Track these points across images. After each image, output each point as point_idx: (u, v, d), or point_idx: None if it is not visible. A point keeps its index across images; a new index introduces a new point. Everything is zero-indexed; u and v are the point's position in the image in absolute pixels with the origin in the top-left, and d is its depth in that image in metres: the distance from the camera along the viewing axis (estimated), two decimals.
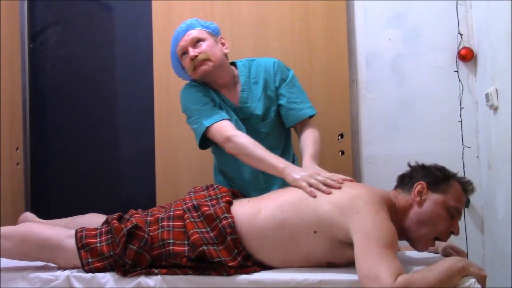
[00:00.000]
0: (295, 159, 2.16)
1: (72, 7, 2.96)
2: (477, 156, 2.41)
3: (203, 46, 1.98)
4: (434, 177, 1.59)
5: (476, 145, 2.41)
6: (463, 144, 2.42)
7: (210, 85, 2.06)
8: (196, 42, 1.99)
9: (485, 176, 2.32)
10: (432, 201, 1.55)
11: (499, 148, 2.10)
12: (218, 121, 1.93)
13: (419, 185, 1.58)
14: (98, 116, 2.92)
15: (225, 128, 1.91)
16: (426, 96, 2.48)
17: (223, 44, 2.08)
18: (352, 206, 1.46)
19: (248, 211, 1.61)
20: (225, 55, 2.06)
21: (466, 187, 1.60)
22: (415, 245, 1.60)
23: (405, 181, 1.64)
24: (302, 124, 2.09)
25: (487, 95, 2.17)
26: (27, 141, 2.91)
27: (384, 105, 2.52)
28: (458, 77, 2.44)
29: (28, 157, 2.91)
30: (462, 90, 2.44)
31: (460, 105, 2.43)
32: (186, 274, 1.53)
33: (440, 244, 1.74)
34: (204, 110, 1.98)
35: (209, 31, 2.04)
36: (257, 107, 2.05)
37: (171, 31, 2.62)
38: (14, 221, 2.25)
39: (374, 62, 2.54)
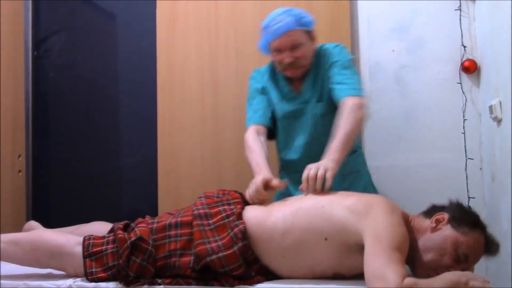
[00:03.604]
0: (357, 149, 2.13)
1: (76, 15, 2.97)
2: (480, 168, 2.40)
3: (300, 52, 1.97)
4: (462, 217, 1.51)
5: (479, 157, 2.41)
6: (466, 156, 2.42)
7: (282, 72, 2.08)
8: (295, 47, 1.96)
9: (488, 188, 2.32)
10: (445, 233, 1.49)
11: (502, 160, 2.09)
12: (250, 125, 2.07)
13: (441, 215, 1.53)
14: (101, 124, 2.92)
15: (248, 133, 2.04)
16: (429, 108, 2.48)
17: (314, 38, 2.05)
18: (368, 210, 1.46)
19: (259, 214, 1.61)
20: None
21: (489, 246, 1.52)
22: (414, 270, 1.55)
23: (433, 209, 1.59)
24: (341, 107, 1.94)
25: (490, 107, 2.17)
26: (29, 148, 2.90)
27: (387, 116, 2.52)
28: (462, 89, 2.45)
29: (30, 164, 2.91)
30: (466, 102, 2.44)
31: (464, 117, 2.43)
32: (189, 284, 1.52)
33: None
34: (249, 110, 2.13)
35: (306, 29, 1.99)
36: (314, 91, 2.04)
37: (176, 39, 2.65)
38: (15, 229, 2.24)
39: (377, 73, 2.55)
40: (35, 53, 2.96)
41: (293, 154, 2.08)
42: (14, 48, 2.78)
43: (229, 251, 1.51)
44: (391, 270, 1.29)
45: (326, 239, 1.49)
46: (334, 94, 1.97)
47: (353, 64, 2.06)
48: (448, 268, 1.45)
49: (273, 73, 2.12)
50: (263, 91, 2.13)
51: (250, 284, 1.52)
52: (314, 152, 1.90)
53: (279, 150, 2.16)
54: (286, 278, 1.57)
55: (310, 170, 1.67)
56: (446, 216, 1.52)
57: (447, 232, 1.49)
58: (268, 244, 1.56)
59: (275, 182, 1.76)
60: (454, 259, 1.47)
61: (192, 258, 1.54)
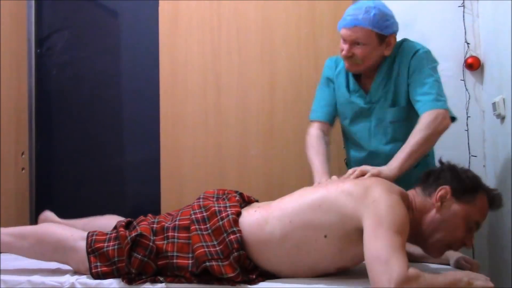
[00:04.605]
0: (428, 160, 2.04)
1: (79, 13, 2.98)
2: (484, 166, 2.40)
3: (359, 51, 1.89)
4: (462, 184, 1.51)
5: (482, 154, 2.40)
6: (469, 153, 2.41)
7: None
8: (355, 43, 1.88)
9: (491, 186, 2.30)
10: (453, 210, 1.49)
11: (506, 157, 2.09)
12: (315, 120, 2.09)
13: (443, 190, 1.50)
14: (104, 122, 2.93)
15: (312, 129, 2.05)
16: None
17: (389, 43, 1.94)
18: (367, 191, 1.43)
19: (254, 223, 1.57)
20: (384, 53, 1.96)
21: (493, 202, 1.54)
22: (427, 251, 1.57)
23: (429, 180, 1.56)
24: (420, 119, 1.85)
25: (494, 104, 2.16)
26: (32, 146, 2.91)
27: None
28: (465, 86, 2.44)
29: (34, 162, 2.92)
30: (469, 99, 2.43)
31: (467, 114, 2.43)
32: (191, 282, 1.53)
33: (452, 256, 1.71)
34: (316, 101, 2.14)
35: (378, 32, 1.89)
36: (385, 93, 1.98)
37: (178, 37, 2.65)
38: (18, 226, 2.25)
39: None
40: (38, 50, 2.97)
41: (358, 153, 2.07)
42: (17, 46, 2.78)
43: (227, 262, 1.50)
44: (395, 257, 1.26)
45: (325, 236, 1.47)
46: (417, 107, 1.88)
47: (437, 71, 1.97)
48: (461, 240, 1.50)
49: None
50: (331, 83, 2.09)
51: (251, 284, 1.51)
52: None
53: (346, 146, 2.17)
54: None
55: (361, 170, 1.66)
56: (447, 189, 1.50)
57: (454, 207, 1.49)
58: (266, 252, 1.54)
59: None
60: (466, 230, 1.50)
61: (190, 261, 1.53)
